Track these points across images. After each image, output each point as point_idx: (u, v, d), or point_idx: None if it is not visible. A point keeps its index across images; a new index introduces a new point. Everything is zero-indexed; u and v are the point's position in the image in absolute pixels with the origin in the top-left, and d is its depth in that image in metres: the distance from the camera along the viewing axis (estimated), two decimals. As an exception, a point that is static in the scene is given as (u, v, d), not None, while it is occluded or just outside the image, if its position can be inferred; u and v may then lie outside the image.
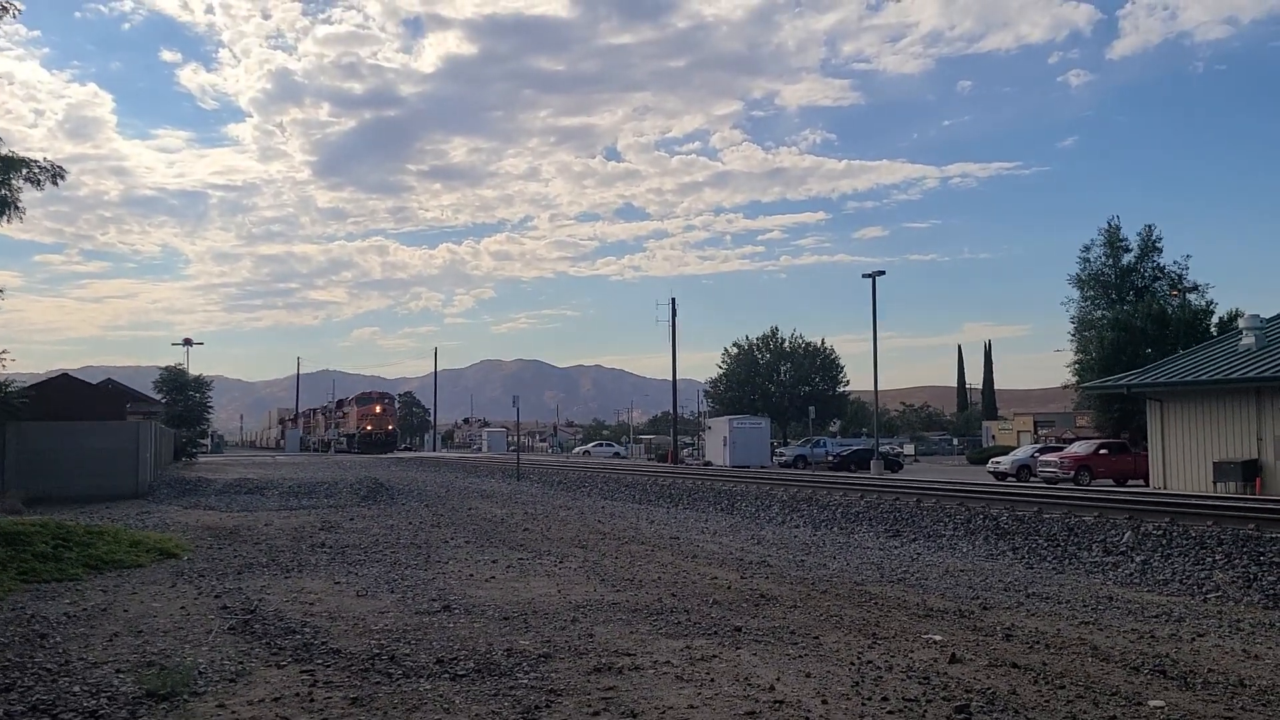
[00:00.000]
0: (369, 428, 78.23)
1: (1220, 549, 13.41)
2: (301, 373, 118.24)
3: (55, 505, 21.91)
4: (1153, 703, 6.57)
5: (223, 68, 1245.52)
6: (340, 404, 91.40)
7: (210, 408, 60.44)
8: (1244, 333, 31.62)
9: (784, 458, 56.58)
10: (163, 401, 54.52)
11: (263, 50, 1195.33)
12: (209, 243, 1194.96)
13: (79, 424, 27.20)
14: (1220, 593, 11.67)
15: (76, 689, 6.75)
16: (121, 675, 7.15)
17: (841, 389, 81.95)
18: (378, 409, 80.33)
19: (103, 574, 12.20)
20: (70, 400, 33.16)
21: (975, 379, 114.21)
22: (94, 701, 6.46)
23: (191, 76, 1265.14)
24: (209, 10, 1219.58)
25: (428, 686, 6.89)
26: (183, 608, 9.95)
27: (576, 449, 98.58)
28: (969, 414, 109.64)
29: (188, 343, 64.34)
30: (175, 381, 56.07)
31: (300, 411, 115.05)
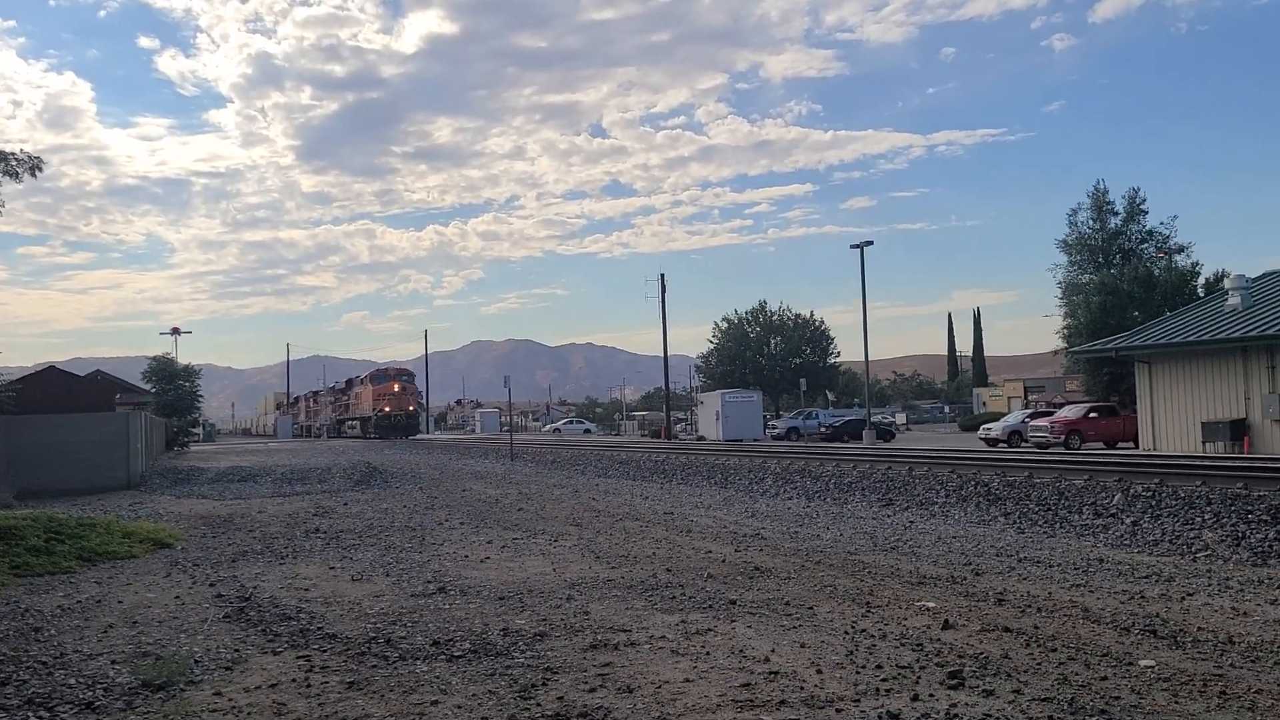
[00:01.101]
0: (387, 409, 70.07)
1: (1209, 508, 13.51)
2: (292, 359, 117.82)
3: (46, 498, 21.86)
4: (1143, 662, 6.63)
5: (201, 53, 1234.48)
6: (350, 384, 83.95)
7: (200, 396, 60.26)
8: (1230, 293, 31.76)
9: (777, 430, 56.80)
10: (152, 391, 54.34)
11: (241, 34, 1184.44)
12: (194, 230, 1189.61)
13: (68, 416, 27.09)
14: (1209, 551, 11.77)
15: (72, 681, 6.75)
16: (117, 666, 7.15)
17: (832, 360, 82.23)
18: (396, 387, 71.83)
19: (96, 566, 12.18)
20: (58, 393, 33.05)
21: (965, 346, 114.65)
22: (90, 693, 6.46)
23: (170, 63, 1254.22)
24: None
25: (424, 668, 6.91)
26: (177, 597, 9.95)
27: (546, 427, 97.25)
28: (960, 381, 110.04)
29: (175, 332, 64.15)
30: (164, 371, 55.85)
31: (299, 395, 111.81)
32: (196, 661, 7.23)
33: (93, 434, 25.71)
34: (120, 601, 9.79)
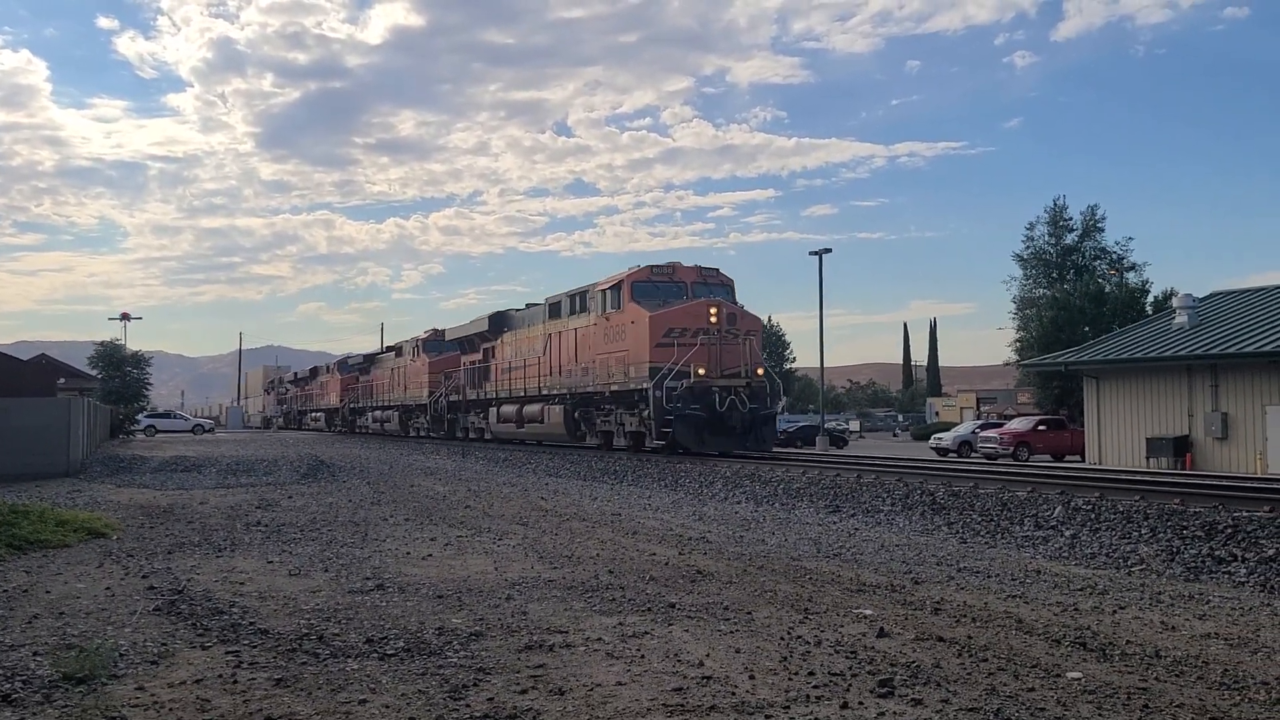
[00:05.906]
0: (702, 371, 26.64)
1: (1146, 523, 13.73)
2: (245, 348, 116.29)
3: (-18, 484, 21.32)
4: (1071, 674, 6.71)
5: (162, 35, 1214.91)
6: (503, 322, 38.37)
7: (149, 384, 59.25)
8: (1177, 312, 32.42)
9: (731, 434, 56.83)
10: (98, 377, 53.36)
11: (203, 18, 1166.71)
12: (148, 215, 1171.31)
13: (4, 400, 26.44)
14: (1144, 565, 11.97)
15: (-10, 673, 6.57)
16: (39, 658, 6.98)
17: (788, 366, 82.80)
18: (713, 314, 26.93)
19: (26, 554, 11.89)
20: (-1, 376, 32.28)
21: (921, 356, 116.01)
22: (8, 685, 6.30)
23: (129, 44, 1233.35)
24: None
25: (355, 666, 6.82)
26: (108, 588, 9.75)
27: None
28: (914, 391, 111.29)
29: (125, 317, 63.05)
30: (111, 357, 54.86)
31: (316, 367, 78.73)
32: (121, 655, 7.08)
33: (31, 419, 25.10)
34: (48, 591, 9.58)
